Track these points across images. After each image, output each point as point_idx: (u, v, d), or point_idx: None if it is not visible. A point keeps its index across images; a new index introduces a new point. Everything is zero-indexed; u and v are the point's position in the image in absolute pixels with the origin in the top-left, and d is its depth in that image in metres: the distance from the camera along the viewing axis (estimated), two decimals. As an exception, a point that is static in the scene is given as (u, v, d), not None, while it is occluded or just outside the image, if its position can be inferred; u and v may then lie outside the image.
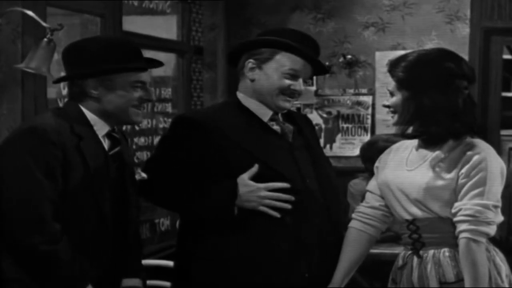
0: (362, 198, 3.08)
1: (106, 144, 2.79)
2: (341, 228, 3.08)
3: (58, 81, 3.08)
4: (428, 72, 2.81)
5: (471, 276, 2.67)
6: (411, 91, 2.80)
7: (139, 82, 2.78)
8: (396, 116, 2.86)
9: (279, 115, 3.03)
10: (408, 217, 2.83)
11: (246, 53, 2.97)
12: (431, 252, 2.81)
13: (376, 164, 3.03)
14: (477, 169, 2.72)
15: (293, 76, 2.93)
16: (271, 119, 3.00)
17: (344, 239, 2.99)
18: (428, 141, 2.85)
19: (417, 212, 2.80)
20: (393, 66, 2.85)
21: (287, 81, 2.92)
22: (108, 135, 2.79)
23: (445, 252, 2.79)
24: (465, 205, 2.71)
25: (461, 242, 2.70)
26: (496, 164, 2.76)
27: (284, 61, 2.92)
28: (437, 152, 2.82)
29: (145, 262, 3.97)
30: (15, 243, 2.59)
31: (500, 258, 2.81)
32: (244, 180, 2.83)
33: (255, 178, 2.84)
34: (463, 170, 2.73)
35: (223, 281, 2.87)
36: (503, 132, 6.57)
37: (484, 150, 2.76)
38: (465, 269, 2.68)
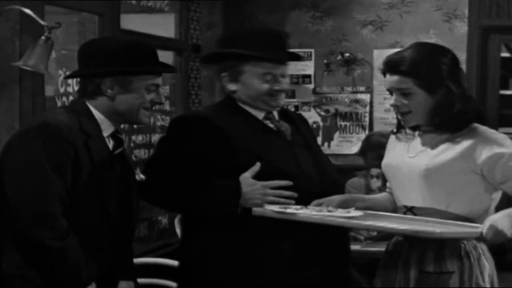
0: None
1: (110, 144, 2.79)
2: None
3: (71, 76, 3.06)
4: (445, 63, 2.78)
5: None
6: (431, 86, 2.76)
7: (154, 85, 2.79)
8: (411, 115, 2.80)
9: (274, 113, 3.03)
10: (407, 203, 2.82)
11: (218, 63, 2.99)
12: (419, 241, 2.78)
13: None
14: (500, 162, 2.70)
15: (271, 77, 2.93)
16: (266, 118, 3.00)
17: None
18: (440, 130, 2.81)
19: (417, 199, 2.79)
20: (398, 63, 2.78)
21: (268, 85, 2.93)
22: (112, 135, 2.79)
23: (433, 244, 2.76)
24: None
25: None
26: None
27: (255, 67, 2.93)
28: (447, 136, 2.78)
29: (143, 260, 3.97)
30: (24, 239, 2.58)
31: (486, 258, 2.79)
32: (247, 178, 2.83)
33: (257, 177, 2.84)
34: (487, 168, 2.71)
35: (224, 279, 2.87)
36: (501, 130, 6.55)
37: (501, 141, 2.74)
38: None
